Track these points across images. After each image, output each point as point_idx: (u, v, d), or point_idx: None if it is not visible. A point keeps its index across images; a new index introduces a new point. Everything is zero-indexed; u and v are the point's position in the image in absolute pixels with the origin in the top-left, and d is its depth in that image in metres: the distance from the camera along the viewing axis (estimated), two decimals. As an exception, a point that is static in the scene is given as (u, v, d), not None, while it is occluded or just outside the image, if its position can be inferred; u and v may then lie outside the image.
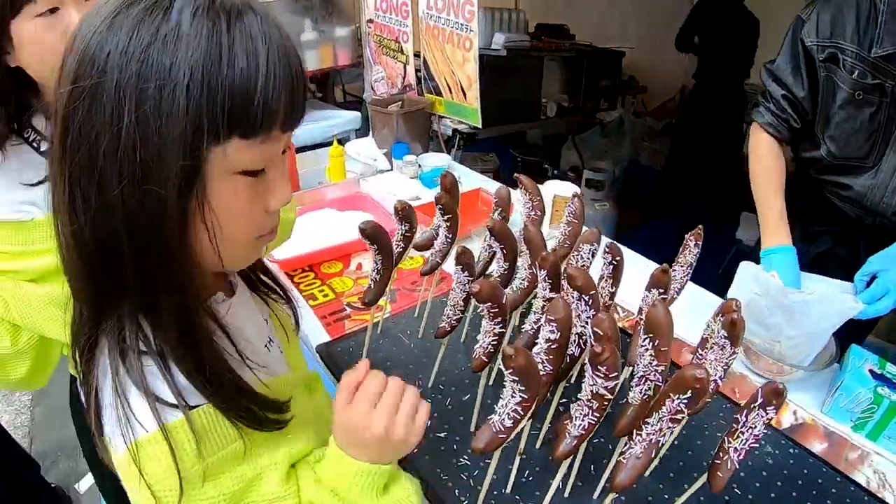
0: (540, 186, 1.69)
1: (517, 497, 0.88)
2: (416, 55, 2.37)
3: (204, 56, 0.45)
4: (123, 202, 0.47)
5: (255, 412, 0.59)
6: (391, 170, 2.22)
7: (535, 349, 0.72)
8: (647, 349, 0.73)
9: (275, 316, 0.79)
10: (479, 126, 2.18)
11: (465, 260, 0.85)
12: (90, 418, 0.56)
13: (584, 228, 1.05)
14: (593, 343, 0.67)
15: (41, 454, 2.53)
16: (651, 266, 1.54)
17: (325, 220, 1.77)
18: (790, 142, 1.41)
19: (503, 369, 0.64)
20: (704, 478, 0.76)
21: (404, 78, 2.44)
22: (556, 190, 1.66)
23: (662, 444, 0.74)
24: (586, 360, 0.75)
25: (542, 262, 0.79)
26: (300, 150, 2.43)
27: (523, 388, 0.65)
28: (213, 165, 0.49)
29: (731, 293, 1.22)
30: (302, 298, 1.41)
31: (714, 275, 3.38)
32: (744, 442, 0.73)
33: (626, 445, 0.73)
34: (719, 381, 0.84)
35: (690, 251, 0.99)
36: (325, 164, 2.22)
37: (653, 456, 0.73)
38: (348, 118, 3.12)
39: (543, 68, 3.45)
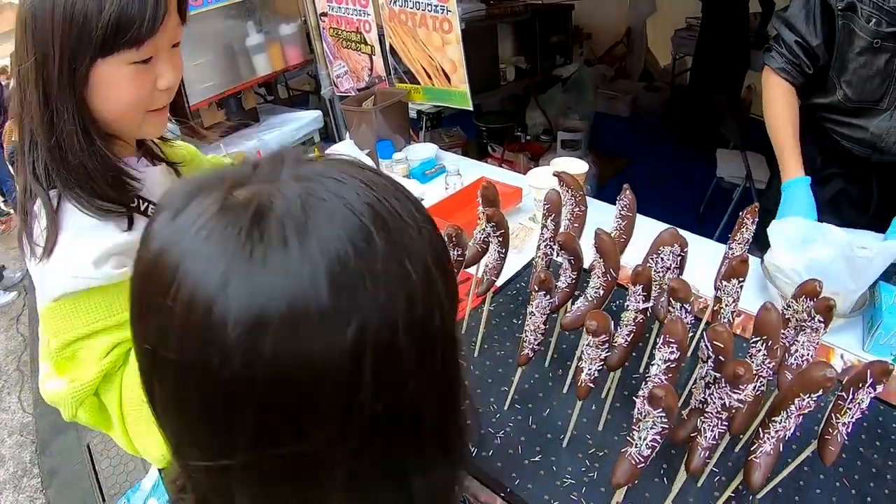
0: (547, 168, 1.68)
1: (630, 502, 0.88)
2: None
3: None
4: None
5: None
6: (378, 170, 2.14)
7: (653, 370, 0.71)
8: (759, 350, 0.73)
9: None
10: (471, 108, 2.11)
11: (547, 285, 0.82)
12: None
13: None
14: (720, 358, 0.66)
15: (68, 538, 2.40)
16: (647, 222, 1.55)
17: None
18: (802, 86, 1.44)
19: (647, 408, 0.62)
20: (810, 449, 0.78)
21: (371, 70, 2.34)
22: (566, 168, 1.64)
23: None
24: (701, 371, 0.74)
25: (637, 277, 0.78)
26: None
27: (666, 420, 0.63)
28: None
29: (776, 254, 1.24)
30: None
31: (696, 213, 3.46)
32: (851, 416, 0.74)
33: (754, 444, 0.73)
34: (810, 360, 0.85)
35: (748, 228, 0.99)
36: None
37: (781, 450, 0.73)
38: (310, 118, 2.98)
39: (497, 34, 3.37)
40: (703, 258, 1.20)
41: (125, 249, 0.81)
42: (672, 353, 0.68)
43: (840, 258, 1.11)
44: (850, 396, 0.73)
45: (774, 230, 1.26)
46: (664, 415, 0.62)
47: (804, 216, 1.30)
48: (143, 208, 0.86)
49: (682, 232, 1.38)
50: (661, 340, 0.69)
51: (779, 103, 1.43)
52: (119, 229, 0.82)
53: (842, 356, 1.16)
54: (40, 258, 0.77)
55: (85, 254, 0.78)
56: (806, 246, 1.19)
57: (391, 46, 2.20)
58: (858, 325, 1.24)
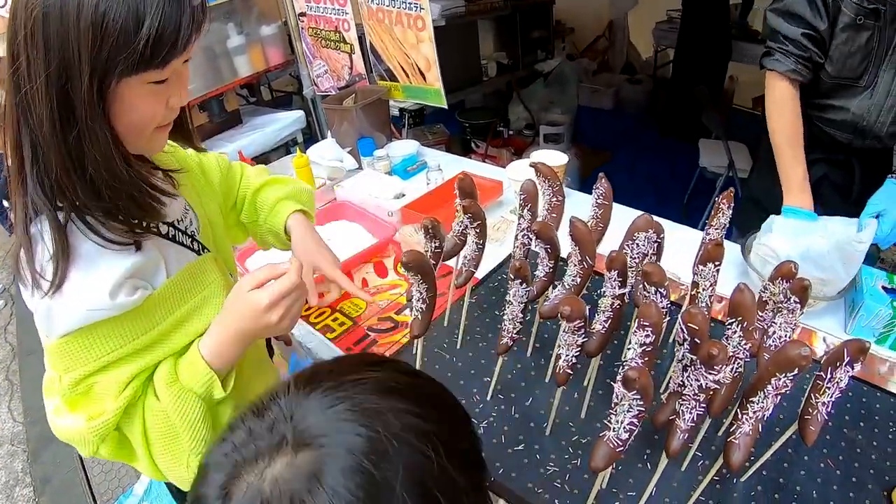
0: (527, 161, 1.68)
1: (614, 489, 0.88)
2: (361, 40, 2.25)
3: None
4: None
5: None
6: (360, 168, 2.13)
7: (630, 354, 0.71)
8: (735, 331, 0.73)
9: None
10: (445, 107, 2.11)
11: (523, 274, 0.82)
12: None
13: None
14: (696, 340, 0.66)
15: (61, 546, 2.36)
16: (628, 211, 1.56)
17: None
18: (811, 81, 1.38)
19: (622, 391, 0.62)
20: (791, 430, 0.78)
21: (351, 68, 2.33)
22: (545, 160, 1.63)
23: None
24: (678, 354, 0.74)
25: (611, 262, 0.77)
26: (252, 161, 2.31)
27: (641, 401, 0.63)
28: None
29: (774, 239, 1.25)
30: (318, 334, 1.34)
31: (680, 203, 3.48)
32: (830, 395, 0.75)
33: (733, 426, 0.73)
34: (788, 341, 0.85)
35: (724, 213, 0.99)
36: (289, 174, 2.12)
37: (760, 430, 0.73)
38: (292, 119, 2.96)
39: (478, 30, 3.37)
40: (686, 246, 1.21)
41: (135, 271, 0.75)
42: (647, 336, 0.68)
43: (835, 249, 1.13)
44: (829, 376, 0.73)
45: (778, 219, 1.28)
46: (639, 397, 0.62)
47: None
48: (145, 224, 0.80)
49: (663, 221, 1.39)
50: (636, 324, 0.69)
51: (787, 114, 1.37)
52: (128, 251, 0.75)
53: (824, 339, 1.17)
54: (48, 292, 0.69)
55: (100, 285, 0.71)
56: (803, 235, 1.20)
57: (371, 44, 2.19)
58: (840, 309, 1.25)
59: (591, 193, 1.72)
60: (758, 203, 1.46)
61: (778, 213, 1.32)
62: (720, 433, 0.96)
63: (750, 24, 4.05)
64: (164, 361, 0.80)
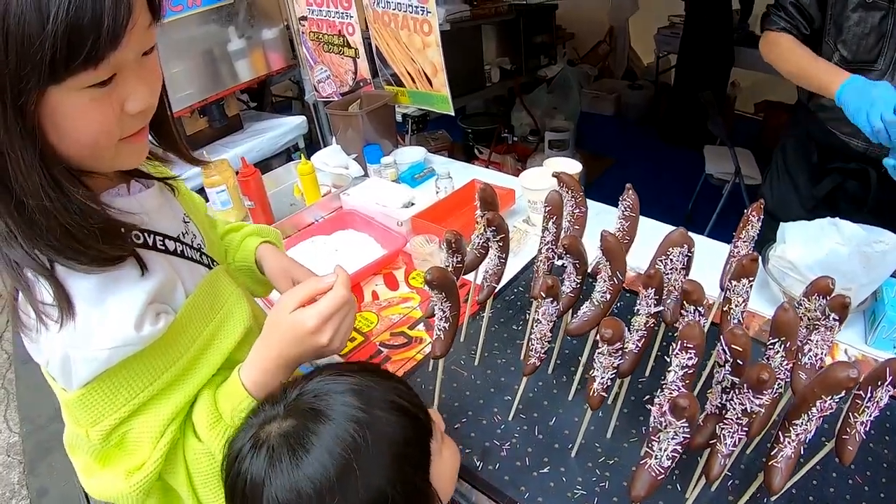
0: (539, 168, 1.66)
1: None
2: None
3: None
4: None
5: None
6: (366, 175, 2.10)
7: (670, 377, 0.68)
8: (777, 351, 0.71)
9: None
10: (452, 113, 2.08)
11: (554, 292, 0.79)
12: None
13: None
14: (738, 362, 0.63)
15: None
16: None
17: (317, 251, 1.65)
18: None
19: (669, 418, 0.59)
20: (827, 449, 0.76)
21: (356, 73, 2.30)
22: (558, 168, 1.61)
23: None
24: (717, 376, 0.72)
25: (648, 280, 0.75)
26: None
27: (688, 429, 0.61)
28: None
29: (790, 250, 1.22)
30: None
31: (683, 210, 3.46)
32: (869, 415, 0.72)
33: (774, 448, 0.71)
34: (824, 359, 0.83)
35: (753, 225, 0.96)
36: (292, 181, 2.10)
37: (801, 453, 0.71)
38: (294, 125, 2.94)
39: (482, 35, 3.36)
40: (699, 256, 1.18)
41: (156, 295, 0.69)
42: (690, 358, 0.65)
43: (856, 253, 1.10)
44: (868, 395, 0.71)
45: (789, 227, 1.25)
46: (687, 425, 0.59)
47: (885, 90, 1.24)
48: (150, 243, 0.72)
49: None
50: (678, 346, 0.66)
51: (788, 45, 1.45)
52: (136, 275, 0.67)
53: (846, 351, 1.15)
54: (59, 321, 0.61)
55: (121, 317, 0.64)
56: (820, 242, 1.17)
57: (377, 49, 2.16)
58: (860, 320, 1.22)
59: (596, 200, 1.72)
60: (772, 215, 1.44)
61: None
62: (749, 451, 0.93)
63: (751, 30, 4.05)
64: (200, 397, 0.74)
